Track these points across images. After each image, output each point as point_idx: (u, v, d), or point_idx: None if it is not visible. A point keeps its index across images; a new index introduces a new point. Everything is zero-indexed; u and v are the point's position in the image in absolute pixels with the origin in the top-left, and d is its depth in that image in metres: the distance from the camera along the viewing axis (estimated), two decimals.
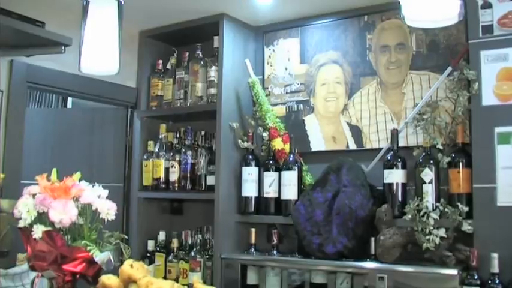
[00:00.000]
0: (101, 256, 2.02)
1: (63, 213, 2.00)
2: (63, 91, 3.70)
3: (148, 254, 3.76)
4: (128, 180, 3.90)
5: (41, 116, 4.40)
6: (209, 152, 3.60)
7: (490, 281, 2.58)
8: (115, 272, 2.09)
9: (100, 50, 2.31)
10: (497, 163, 2.68)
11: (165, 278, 3.63)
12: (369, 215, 2.95)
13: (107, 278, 1.93)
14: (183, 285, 2.48)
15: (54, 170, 2.19)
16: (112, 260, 2.09)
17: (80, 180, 2.22)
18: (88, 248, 2.02)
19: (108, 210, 2.16)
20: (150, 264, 3.72)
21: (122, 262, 2.17)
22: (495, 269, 2.58)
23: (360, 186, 3.02)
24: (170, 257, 3.65)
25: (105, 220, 2.17)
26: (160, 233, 3.75)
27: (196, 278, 2.05)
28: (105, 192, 2.19)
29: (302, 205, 3.13)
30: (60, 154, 3.99)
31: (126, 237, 2.22)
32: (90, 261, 2.05)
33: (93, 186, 2.22)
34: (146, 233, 3.83)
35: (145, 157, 3.84)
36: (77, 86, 3.55)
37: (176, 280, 3.57)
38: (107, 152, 4.01)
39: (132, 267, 1.95)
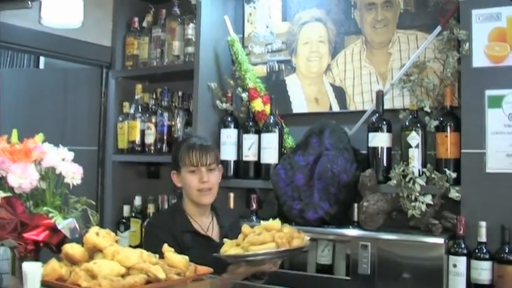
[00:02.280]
0: (64, 223, 1.88)
1: (23, 178, 1.85)
2: (35, 50, 3.56)
3: (123, 220, 3.63)
4: (103, 143, 3.75)
5: (12, 76, 4.27)
6: (186, 114, 3.45)
7: (477, 250, 2.49)
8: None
9: (61, 1, 2.12)
10: (487, 128, 2.56)
11: (140, 244, 3.51)
12: (352, 180, 2.83)
13: (70, 247, 1.78)
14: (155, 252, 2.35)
15: (14, 131, 2.02)
16: (78, 228, 1.95)
17: (44, 142, 2.05)
18: (50, 214, 1.87)
19: (73, 174, 2.00)
20: (125, 230, 3.60)
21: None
22: (483, 237, 2.48)
23: (343, 150, 2.89)
24: (146, 223, 3.51)
25: (71, 185, 2.02)
26: (136, 197, 3.61)
27: (167, 247, 1.88)
28: (71, 155, 2.03)
29: (282, 169, 3.00)
30: (32, 116, 3.86)
31: (94, 202, 2.07)
32: (54, 229, 1.91)
33: (58, 148, 2.04)
34: (121, 198, 3.70)
35: (120, 119, 3.68)
36: (49, 44, 3.42)
37: None
38: (81, 114, 3.88)
39: (97, 235, 1.80)
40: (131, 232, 3.58)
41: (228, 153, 3.25)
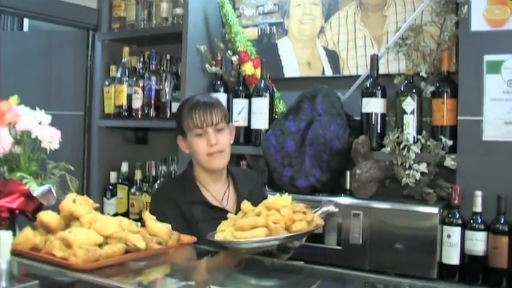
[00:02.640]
0: (40, 190, 1.78)
1: None
2: (18, 12, 3.45)
3: (110, 187, 3.55)
4: (89, 108, 3.64)
5: None
6: (175, 77, 3.34)
7: (472, 221, 2.41)
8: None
9: None
10: (485, 94, 2.46)
11: (127, 211, 3.43)
12: (344, 147, 2.73)
13: (45, 215, 1.68)
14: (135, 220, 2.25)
15: None
16: (55, 194, 1.85)
17: (19, 104, 1.94)
18: (24, 180, 1.78)
19: (51, 138, 1.90)
20: (112, 197, 3.51)
21: None
22: (478, 207, 2.40)
23: (336, 116, 2.79)
24: (133, 190, 3.44)
25: (48, 150, 1.91)
26: (123, 164, 3.53)
27: (148, 215, 1.79)
28: (48, 118, 1.93)
29: (273, 135, 2.91)
30: (16, 80, 3.75)
31: (72, 168, 1.97)
32: (29, 196, 1.82)
33: (35, 111, 1.93)
34: (108, 164, 3.61)
35: (106, 83, 3.57)
36: (33, 6, 3.32)
37: (139, 214, 3.37)
38: (66, 78, 3.78)
39: (74, 202, 1.69)
40: (118, 199, 3.50)
41: None
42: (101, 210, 3.48)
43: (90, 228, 1.64)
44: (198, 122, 2.19)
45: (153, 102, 3.37)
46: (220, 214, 2.13)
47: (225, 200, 2.30)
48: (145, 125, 3.52)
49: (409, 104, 2.64)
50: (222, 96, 3.13)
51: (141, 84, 3.41)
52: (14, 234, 1.69)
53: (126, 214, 3.45)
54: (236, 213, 2.14)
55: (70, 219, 1.72)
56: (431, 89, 2.62)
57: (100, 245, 1.61)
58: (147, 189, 3.36)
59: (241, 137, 3.11)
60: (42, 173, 1.92)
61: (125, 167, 3.52)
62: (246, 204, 1.89)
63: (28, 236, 1.64)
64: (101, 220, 1.65)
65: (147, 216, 1.79)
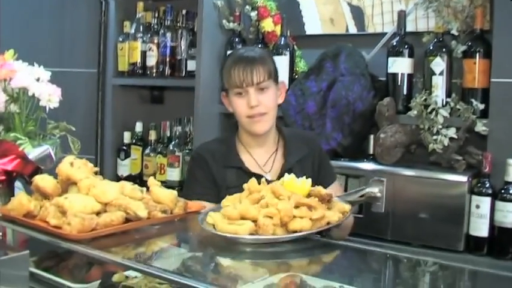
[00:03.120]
0: (36, 152, 1.66)
1: None
2: None
3: (124, 147, 3.42)
4: (103, 65, 3.49)
5: None
6: (191, 34, 3.17)
7: (503, 191, 2.25)
8: None
9: None
10: None
11: (141, 173, 3.33)
12: (368, 109, 2.57)
13: (40, 179, 1.57)
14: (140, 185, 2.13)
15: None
16: (53, 157, 1.73)
17: (17, 59, 1.81)
18: (18, 141, 1.66)
19: (50, 96, 1.77)
20: (125, 158, 3.40)
21: None
22: (510, 177, 2.23)
23: (360, 76, 2.62)
24: (147, 151, 3.32)
25: (47, 108, 1.79)
26: (137, 124, 3.40)
27: (153, 180, 1.66)
28: (47, 75, 1.80)
29: (293, 95, 2.75)
30: (28, 36, 3.61)
31: (74, 128, 1.84)
32: (26, 158, 1.70)
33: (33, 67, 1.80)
34: (122, 124, 3.48)
35: (120, 39, 3.41)
36: None
37: (154, 176, 3.26)
38: (79, 34, 3.62)
39: (71, 166, 1.57)
40: (132, 160, 3.39)
41: None
42: (114, 171, 3.44)
43: (88, 195, 1.52)
44: (237, 81, 1.97)
45: (168, 59, 3.21)
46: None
47: (268, 165, 2.08)
48: (160, 84, 3.37)
49: (439, 64, 2.45)
50: None
51: (155, 41, 3.25)
52: (9, 199, 1.60)
53: (139, 176, 3.35)
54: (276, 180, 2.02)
55: (68, 184, 1.61)
56: (462, 48, 2.43)
57: (98, 213, 1.50)
58: (162, 150, 3.24)
59: None
60: (41, 134, 1.80)
61: (139, 127, 3.39)
62: (252, 183, 1.62)
63: (22, 201, 1.53)
64: (99, 186, 1.52)
65: (151, 181, 1.66)
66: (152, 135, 3.31)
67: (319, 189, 1.60)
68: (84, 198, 1.50)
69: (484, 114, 2.37)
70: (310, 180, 1.64)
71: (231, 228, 1.46)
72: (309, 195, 1.60)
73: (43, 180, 1.57)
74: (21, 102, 1.73)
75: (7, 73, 1.68)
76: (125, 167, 3.40)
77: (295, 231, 1.47)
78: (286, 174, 1.67)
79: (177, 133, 3.20)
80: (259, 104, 1.97)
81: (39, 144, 1.72)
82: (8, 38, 3.64)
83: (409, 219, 2.39)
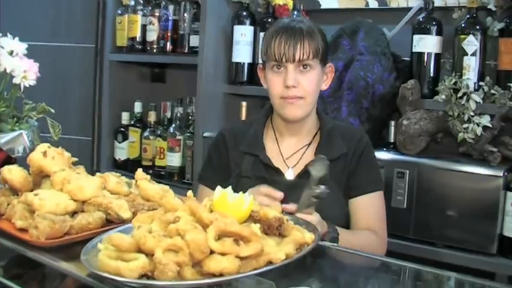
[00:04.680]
0: (4, 138, 1.41)
1: None
2: None
3: (121, 129, 3.18)
4: (101, 40, 3.23)
5: None
6: (195, 7, 2.89)
7: None
8: None
9: None
10: None
11: (139, 157, 3.08)
12: (390, 92, 2.30)
13: (7, 170, 1.32)
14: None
15: None
16: (27, 143, 1.49)
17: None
18: None
19: (25, 73, 1.52)
20: (123, 140, 3.15)
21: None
22: None
23: (381, 55, 2.35)
24: (146, 133, 3.07)
25: (22, 87, 1.54)
26: (136, 104, 3.15)
27: (141, 173, 1.39)
28: (22, 47, 1.54)
29: None
30: (21, 8, 3.33)
31: (53, 110, 1.59)
32: None
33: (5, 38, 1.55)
34: (120, 103, 3.24)
35: (119, 12, 3.15)
36: None
37: (152, 161, 3.01)
38: (76, 6, 3.36)
39: (44, 156, 1.32)
40: (130, 143, 3.14)
41: (242, 54, 2.73)
42: (111, 154, 3.19)
43: (62, 191, 1.27)
44: (276, 53, 1.67)
45: (169, 34, 2.95)
46: (273, 177, 1.73)
47: (293, 159, 1.78)
48: (160, 61, 3.11)
49: (471, 43, 2.17)
50: (247, 30, 2.72)
51: (157, 14, 2.98)
52: None
53: (138, 160, 3.10)
54: (295, 180, 1.73)
55: (41, 178, 1.36)
56: (499, 26, 2.15)
57: (74, 214, 1.25)
58: (161, 133, 2.98)
59: None
60: (15, 117, 1.55)
61: (138, 107, 3.14)
62: (168, 197, 1.19)
63: None
64: (76, 180, 1.27)
65: (139, 174, 1.40)
66: (152, 117, 3.07)
67: (266, 211, 1.16)
68: (57, 195, 1.25)
69: None
70: (251, 197, 1.19)
71: (112, 264, 0.99)
72: (252, 220, 1.17)
73: (10, 172, 1.33)
74: None
75: None
76: (122, 151, 3.16)
77: (213, 275, 1.00)
78: (217, 187, 1.23)
79: (178, 115, 2.94)
80: (297, 85, 1.67)
81: (12, 129, 1.47)
82: (3, 10, 3.38)
83: (434, 217, 2.13)
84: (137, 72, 3.34)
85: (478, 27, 2.19)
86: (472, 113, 2.10)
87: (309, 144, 1.81)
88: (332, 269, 1.36)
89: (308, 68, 1.69)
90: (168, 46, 2.96)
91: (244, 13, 2.74)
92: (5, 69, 1.48)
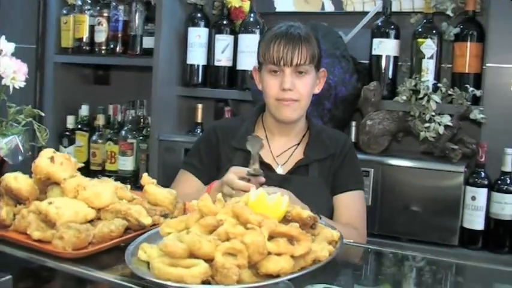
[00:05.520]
0: (4, 143, 1.35)
1: None
2: None
3: (67, 133, 3.08)
4: (42, 40, 3.11)
5: None
6: (146, 8, 2.85)
7: (499, 181, 2.14)
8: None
9: None
10: None
11: (88, 162, 2.99)
12: (352, 94, 2.37)
13: (13, 179, 1.26)
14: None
15: None
16: (21, 148, 1.43)
17: None
18: None
19: (14, 74, 1.46)
20: (69, 145, 3.06)
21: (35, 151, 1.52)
22: (508, 167, 2.12)
23: (340, 58, 2.41)
24: (94, 137, 2.98)
25: (11, 88, 1.48)
26: (83, 107, 3.05)
27: (148, 178, 1.37)
28: (11, 47, 1.48)
29: None
30: None
31: (43, 113, 1.54)
32: None
33: None
34: (65, 107, 3.12)
35: (64, 11, 3.04)
36: None
37: (102, 166, 2.94)
38: (15, 5, 3.19)
39: (52, 162, 1.28)
40: (77, 147, 3.04)
41: (197, 56, 2.72)
42: None
43: (76, 198, 1.23)
44: (275, 57, 1.71)
45: (120, 35, 2.89)
46: (266, 171, 1.71)
47: (283, 157, 1.83)
48: (110, 62, 3.03)
49: (429, 47, 2.29)
50: (202, 32, 2.71)
51: (105, 15, 2.91)
52: None
53: (86, 165, 3.01)
54: (286, 175, 1.78)
55: (47, 184, 1.31)
56: (455, 30, 2.28)
57: (91, 221, 1.22)
58: (112, 137, 2.91)
59: (224, 79, 2.70)
60: (2, 121, 1.48)
61: (84, 111, 3.05)
62: (204, 201, 1.15)
63: None
64: (91, 187, 1.24)
65: (146, 179, 1.38)
66: (100, 120, 2.98)
67: (299, 210, 1.17)
68: (73, 203, 1.21)
69: (475, 101, 2.24)
70: (287, 197, 1.20)
71: (174, 272, 0.97)
72: (285, 220, 1.16)
73: (17, 181, 1.27)
74: None
75: None
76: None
77: (271, 276, 1.01)
78: (252, 190, 1.25)
79: (130, 117, 2.88)
80: (293, 88, 1.72)
81: (2, 133, 1.41)
82: None
83: (398, 212, 2.23)
84: (80, 74, 3.24)
85: (434, 31, 2.31)
86: (433, 113, 2.21)
87: (298, 144, 1.86)
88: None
89: (304, 73, 1.73)
90: (119, 47, 2.89)
91: (199, 15, 2.73)
92: None
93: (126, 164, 2.86)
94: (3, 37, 1.51)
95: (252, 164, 1.57)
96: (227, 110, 2.70)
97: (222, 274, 0.95)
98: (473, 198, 2.14)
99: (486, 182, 2.14)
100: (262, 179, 1.56)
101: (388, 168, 2.25)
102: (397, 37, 2.38)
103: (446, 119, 2.19)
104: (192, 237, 0.99)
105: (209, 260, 0.98)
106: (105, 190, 1.25)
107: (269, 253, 1.01)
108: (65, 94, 3.13)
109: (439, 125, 2.19)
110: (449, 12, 2.28)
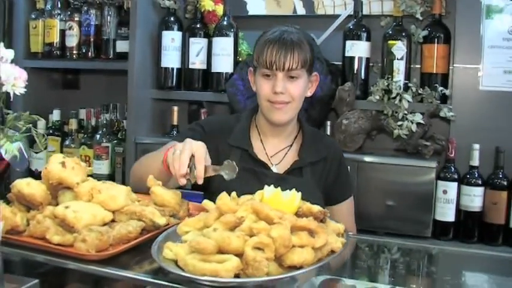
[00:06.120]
0: (12, 149, 1.37)
1: None
2: None
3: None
4: (9, 46, 3.06)
5: None
6: (118, 12, 2.87)
7: (468, 175, 2.27)
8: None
9: None
10: (484, 41, 2.30)
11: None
12: (327, 95, 2.46)
13: (26, 185, 1.29)
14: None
15: None
16: (26, 155, 1.45)
17: None
18: None
19: (15, 80, 1.48)
20: (41, 150, 3.04)
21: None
22: (475, 161, 2.25)
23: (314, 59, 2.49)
24: (67, 142, 2.98)
25: (12, 95, 1.50)
26: (54, 111, 3.04)
27: (154, 180, 1.42)
28: (11, 53, 1.50)
29: (240, 80, 2.57)
30: None
31: (43, 119, 1.56)
32: None
33: None
34: (35, 113, 3.07)
35: (33, 16, 3.03)
36: None
37: None
38: None
39: (63, 167, 1.31)
40: (49, 153, 3.02)
41: (171, 59, 2.76)
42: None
43: (91, 201, 1.27)
44: (267, 61, 1.76)
45: (92, 40, 2.89)
46: (262, 170, 1.83)
47: (276, 158, 1.89)
48: (82, 66, 3.03)
49: (400, 48, 2.40)
50: (176, 35, 2.75)
51: (76, 19, 2.91)
52: None
53: None
54: (282, 175, 1.84)
55: (56, 190, 1.34)
56: (423, 33, 2.39)
57: (104, 224, 1.26)
58: (86, 141, 2.92)
59: (198, 81, 2.76)
60: (3, 128, 1.50)
61: (56, 115, 3.03)
62: (223, 199, 1.22)
63: (6, 214, 1.25)
64: (106, 190, 1.28)
65: (152, 181, 1.43)
66: (73, 125, 2.98)
67: (309, 205, 1.27)
68: (89, 206, 1.25)
69: (443, 100, 2.36)
70: (299, 194, 1.29)
71: (208, 267, 1.02)
72: (296, 215, 1.23)
73: (29, 187, 1.30)
74: None
75: None
76: (40, 161, 3.02)
77: (294, 267, 1.08)
78: (265, 187, 1.32)
79: (105, 121, 2.90)
80: (285, 91, 1.77)
81: (8, 140, 1.43)
82: None
83: (374, 208, 2.33)
84: (49, 79, 3.23)
85: (404, 34, 2.42)
86: (405, 112, 2.32)
87: (291, 145, 1.92)
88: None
89: (295, 77, 1.79)
90: (91, 52, 2.90)
91: (172, 18, 2.77)
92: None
93: (102, 167, 2.87)
94: (1, 44, 1.50)
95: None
96: (203, 111, 2.75)
97: (254, 267, 1.01)
98: (445, 192, 2.26)
99: (456, 176, 2.27)
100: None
101: (363, 165, 2.34)
102: (368, 39, 2.48)
103: (419, 117, 2.31)
104: (221, 234, 1.05)
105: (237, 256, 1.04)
106: (120, 193, 1.30)
107: (293, 246, 1.08)
108: (34, 99, 3.10)
109: (412, 123, 2.30)
110: (418, 16, 2.39)
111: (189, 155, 1.43)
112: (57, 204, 1.30)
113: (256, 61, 1.82)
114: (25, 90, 1.54)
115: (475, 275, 1.53)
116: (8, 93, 1.51)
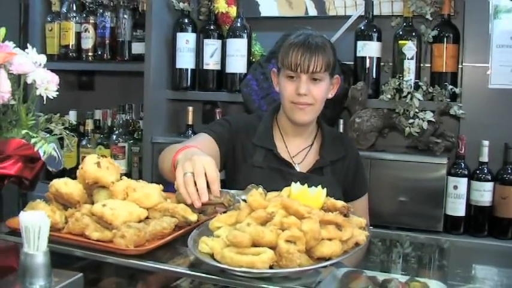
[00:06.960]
0: (48, 150, 1.44)
1: None
2: None
3: None
4: (26, 48, 3.13)
5: None
6: (133, 14, 2.94)
7: (478, 171, 2.33)
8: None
9: None
10: (492, 40, 2.35)
11: (77, 167, 3.04)
12: (340, 94, 2.50)
13: (63, 184, 1.35)
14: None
15: None
16: (59, 156, 1.52)
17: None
18: (33, 140, 1.43)
19: (48, 84, 1.55)
20: None
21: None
22: (485, 157, 2.31)
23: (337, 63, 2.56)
24: (84, 142, 3.04)
25: (44, 99, 1.57)
26: (70, 112, 3.10)
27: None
28: (43, 58, 1.57)
29: (254, 80, 2.64)
30: None
31: (74, 121, 1.63)
32: (30, 159, 1.47)
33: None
34: (51, 113, 3.16)
35: (49, 19, 3.10)
36: None
37: None
38: None
39: (99, 167, 1.38)
40: (65, 153, 3.09)
41: (186, 61, 2.83)
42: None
43: (126, 199, 1.34)
44: (292, 64, 1.83)
45: (107, 42, 2.96)
46: (286, 168, 1.91)
47: (299, 157, 1.97)
48: (98, 68, 3.11)
49: (411, 48, 2.46)
50: (191, 37, 2.82)
51: (91, 21, 2.98)
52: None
53: (75, 170, 3.07)
54: (306, 173, 1.91)
55: (91, 189, 1.41)
56: (433, 33, 2.45)
57: (140, 221, 1.33)
58: (102, 141, 2.99)
59: (212, 82, 2.82)
60: (38, 130, 1.57)
61: (72, 116, 3.09)
62: (254, 196, 1.27)
63: (45, 212, 1.31)
64: (140, 189, 1.35)
65: None
66: (89, 125, 3.04)
67: (333, 201, 1.33)
68: (125, 204, 1.32)
69: (453, 98, 2.42)
70: (325, 190, 1.35)
71: (245, 259, 1.09)
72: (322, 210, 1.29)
73: (67, 186, 1.37)
74: (21, 92, 1.49)
75: (6, 56, 1.44)
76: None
77: (323, 258, 1.16)
78: (292, 184, 1.37)
79: (121, 121, 2.97)
80: (308, 93, 1.85)
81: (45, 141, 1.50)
82: None
83: (387, 203, 2.40)
84: (64, 81, 3.28)
85: (414, 34, 2.48)
86: (416, 110, 2.39)
87: (311, 144, 2.00)
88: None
89: (318, 80, 1.86)
90: (107, 54, 2.97)
91: (186, 20, 2.83)
92: (34, 82, 1.50)
93: None
94: (34, 49, 1.57)
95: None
96: (218, 111, 2.81)
97: (287, 259, 1.08)
98: (455, 187, 2.33)
99: (466, 172, 2.33)
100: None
101: (376, 162, 2.41)
102: (379, 39, 2.54)
103: (429, 115, 2.37)
104: (256, 228, 1.13)
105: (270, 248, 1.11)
106: (153, 191, 1.37)
107: (322, 239, 1.16)
108: (51, 101, 3.17)
109: (423, 120, 2.36)
110: (428, 16, 2.45)
111: (205, 179, 1.37)
112: (92, 203, 1.37)
113: (281, 63, 1.89)
114: (57, 93, 1.59)
115: (485, 267, 1.61)
116: (41, 97, 1.56)
